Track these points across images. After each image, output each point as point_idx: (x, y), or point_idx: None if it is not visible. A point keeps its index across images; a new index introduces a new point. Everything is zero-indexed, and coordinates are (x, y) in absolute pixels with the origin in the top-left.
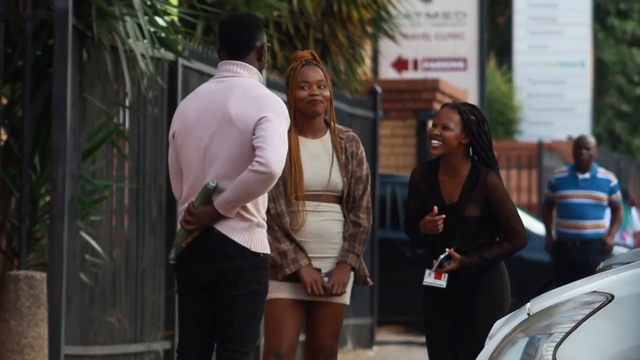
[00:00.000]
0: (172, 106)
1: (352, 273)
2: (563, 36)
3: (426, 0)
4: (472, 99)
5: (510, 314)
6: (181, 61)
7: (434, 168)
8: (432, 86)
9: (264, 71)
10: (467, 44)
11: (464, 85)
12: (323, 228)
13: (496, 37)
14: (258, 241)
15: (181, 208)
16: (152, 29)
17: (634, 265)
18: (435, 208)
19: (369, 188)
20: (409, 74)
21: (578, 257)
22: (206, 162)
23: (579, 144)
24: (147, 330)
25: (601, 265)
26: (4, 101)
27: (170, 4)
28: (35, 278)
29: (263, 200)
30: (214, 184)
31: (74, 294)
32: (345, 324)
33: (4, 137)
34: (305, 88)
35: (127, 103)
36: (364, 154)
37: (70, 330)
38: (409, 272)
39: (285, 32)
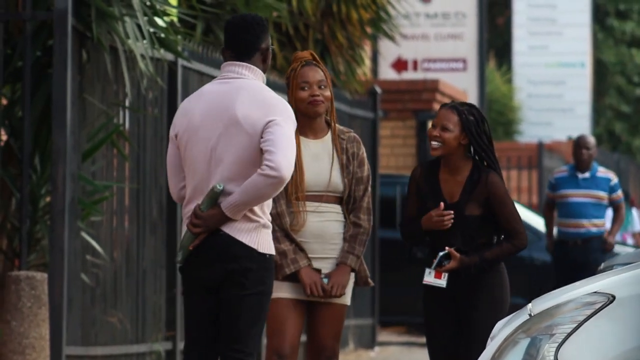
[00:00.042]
0: (172, 107)
1: (352, 274)
2: (563, 37)
3: (425, 1)
4: (472, 99)
5: (512, 315)
6: (181, 62)
7: (435, 167)
8: (431, 87)
9: None
10: (467, 44)
11: (463, 85)
12: (323, 229)
13: (496, 38)
14: (264, 242)
15: (185, 210)
16: (151, 30)
17: (635, 265)
18: (442, 204)
19: (369, 189)
20: (409, 75)
21: (578, 256)
22: (212, 164)
23: (578, 143)
24: (148, 330)
25: (602, 265)
26: (4, 102)
27: (169, 5)
28: (36, 278)
29: (268, 202)
30: (221, 187)
31: (75, 294)
32: (347, 324)
33: (4, 137)
34: (306, 88)
35: (127, 103)
36: (365, 154)
37: (72, 330)
38: (411, 273)
39: (285, 32)
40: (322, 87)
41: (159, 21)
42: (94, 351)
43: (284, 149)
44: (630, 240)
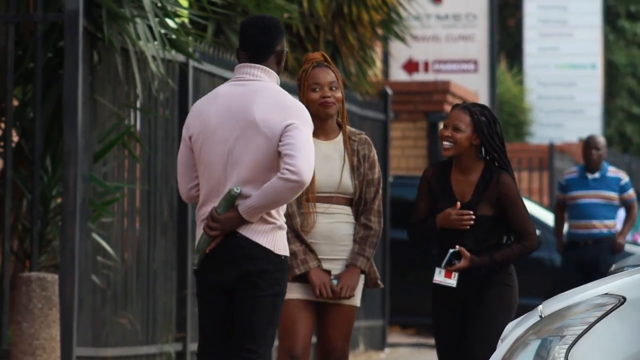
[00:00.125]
0: (183, 108)
1: (362, 276)
2: (573, 38)
3: (436, 2)
4: (483, 101)
5: (523, 316)
6: (192, 63)
7: (447, 168)
8: (442, 88)
9: None
10: (478, 46)
11: (474, 87)
12: (333, 230)
13: (506, 39)
14: (280, 244)
15: (200, 212)
16: (162, 31)
17: None
18: (458, 203)
19: (380, 191)
20: (420, 76)
21: (589, 257)
22: (228, 166)
23: (588, 144)
24: (158, 332)
25: (613, 267)
26: (15, 103)
27: (180, 6)
28: (47, 280)
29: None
30: (239, 191)
31: (86, 295)
32: (357, 326)
33: (16, 138)
34: (317, 90)
35: (138, 105)
36: (376, 157)
37: (82, 331)
38: (422, 274)
39: (296, 34)
40: (334, 88)
41: (170, 22)
42: (105, 352)
43: (304, 153)
44: None
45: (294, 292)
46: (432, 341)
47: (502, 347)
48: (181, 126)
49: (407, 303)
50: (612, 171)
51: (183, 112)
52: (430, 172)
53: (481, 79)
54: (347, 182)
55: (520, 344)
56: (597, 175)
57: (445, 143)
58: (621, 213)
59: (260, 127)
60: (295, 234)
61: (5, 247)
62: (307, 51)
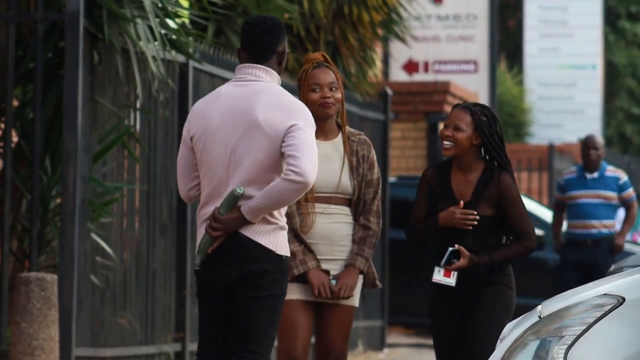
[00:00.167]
0: (183, 108)
1: (361, 276)
2: (574, 39)
3: (437, 3)
4: (483, 101)
5: (522, 316)
6: (192, 63)
7: (447, 168)
8: (442, 89)
9: None
10: (478, 46)
11: (474, 87)
12: (332, 230)
13: (507, 40)
14: (281, 244)
15: (200, 213)
16: (163, 31)
17: None
18: (462, 202)
19: (379, 192)
20: (420, 77)
21: (588, 257)
22: (231, 167)
23: (586, 144)
24: (157, 332)
25: (612, 267)
26: (15, 103)
27: (181, 6)
28: (46, 280)
29: None
30: (242, 191)
31: (85, 295)
32: (356, 326)
33: (15, 139)
34: (317, 90)
35: (138, 105)
36: (375, 157)
37: (81, 332)
38: (421, 274)
39: (296, 34)
40: (333, 89)
41: (171, 23)
42: (103, 352)
43: (308, 154)
44: None
45: (293, 293)
46: (431, 341)
47: (501, 348)
48: (181, 127)
49: (406, 303)
50: (611, 170)
51: (183, 113)
52: (430, 172)
53: (481, 79)
54: (346, 182)
55: (519, 344)
56: (595, 175)
57: (446, 143)
58: (621, 213)
59: (263, 128)
60: (294, 234)
61: (4, 248)
62: (308, 51)
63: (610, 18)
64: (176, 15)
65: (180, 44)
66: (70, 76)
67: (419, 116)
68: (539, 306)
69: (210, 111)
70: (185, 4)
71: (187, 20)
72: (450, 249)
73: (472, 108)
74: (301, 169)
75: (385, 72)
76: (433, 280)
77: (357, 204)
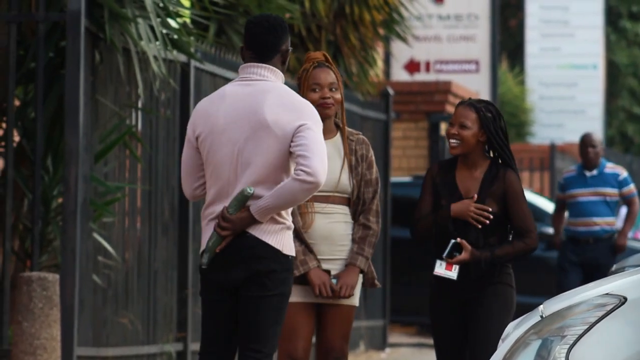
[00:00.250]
0: (185, 108)
1: (360, 275)
2: (575, 39)
3: (438, 2)
4: None
5: (524, 316)
6: (193, 63)
7: (452, 166)
8: (444, 88)
9: None
10: (479, 46)
11: (476, 87)
12: (331, 230)
13: (508, 40)
14: (288, 244)
15: (206, 212)
16: (164, 31)
17: None
18: (475, 196)
19: (379, 191)
20: (421, 76)
21: (589, 256)
22: (239, 167)
23: (584, 142)
24: (159, 331)
25: (614, 267)
26: (17, 103)
27: (182, 6)
28: (47, 279)
29: None
30: (252, 191)
31: (87, 295)
32: (358, 325)
33: (17, 138)
34: (317, 90)
35: (139, 105)
36: (373, 157)
37: (83, 331)
38: (423, 273)
39: (297, 34)
40: (333, 89)
41: (172, 22)
42: (105, 352)
43: (318, 154)
44: None
45: (293, 295)
46: (432, 341)
47: (503, 347)
48: (183, 126)
49: (407, 302)
50: (610, 167)
51: (184, 112)
52: (436, 169)
53: (483, 79)
54: (345, 181)
55: (521, 344)
56: (595, 172)
57: (452, 141)
58: (622, 211)
59: (271, 128)
60: (295, 234)
61: (6, 247)
62: (309, 51)
63: (612, 18)
64: (177, 15)
65: (182, 44)
66: (71, 76)
67: (421, 116)
68: (541, 306)
69: (215, 111)
70: (187, 3)
71: (188, 20)
72: (453, 241)
73: (476, 105)
74: (312, 169)
75: (387, 71)
76: (434, 273)
77: (356, 204)
